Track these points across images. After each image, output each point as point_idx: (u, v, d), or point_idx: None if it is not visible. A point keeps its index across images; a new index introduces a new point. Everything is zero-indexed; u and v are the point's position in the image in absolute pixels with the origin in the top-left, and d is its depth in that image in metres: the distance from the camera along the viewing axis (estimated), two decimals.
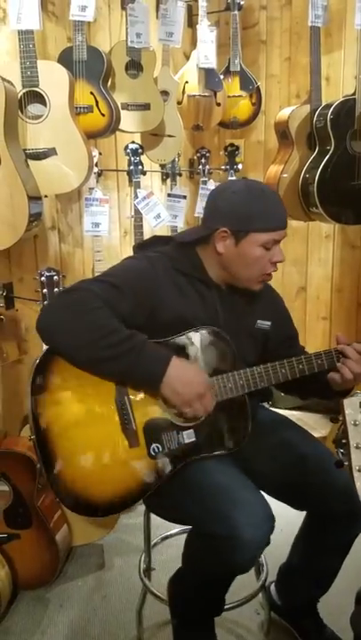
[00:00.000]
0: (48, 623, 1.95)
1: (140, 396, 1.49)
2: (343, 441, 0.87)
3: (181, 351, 1.50)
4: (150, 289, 1.52)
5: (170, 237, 1.71)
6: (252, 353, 1.64)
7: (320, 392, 1.69)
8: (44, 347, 1.50)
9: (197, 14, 2.74)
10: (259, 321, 1.67)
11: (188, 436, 1.50)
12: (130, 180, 2.66)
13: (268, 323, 1.68)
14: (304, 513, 1.69)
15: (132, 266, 1.59)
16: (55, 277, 2.03)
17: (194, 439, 1.50)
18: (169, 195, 2.60)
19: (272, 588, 1.90)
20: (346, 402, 0.93)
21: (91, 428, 1.46)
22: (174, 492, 1.52)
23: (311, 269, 3.20)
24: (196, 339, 1.52)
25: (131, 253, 1.73)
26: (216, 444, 1.53)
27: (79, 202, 2.53)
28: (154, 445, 1.48)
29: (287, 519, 1.65)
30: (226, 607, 1.66)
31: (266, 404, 2.04)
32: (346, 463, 0.95)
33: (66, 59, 2.12)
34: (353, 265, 3.10)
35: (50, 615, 1.98)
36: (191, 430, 1.50)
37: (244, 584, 1.84)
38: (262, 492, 1.61)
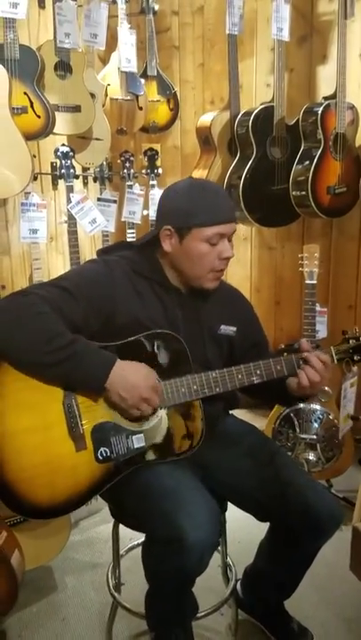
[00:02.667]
0: None
1: (89, 399, 1.46)
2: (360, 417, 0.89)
3: (134, 354, 1.47)
4: (105, 294, 1.49)
5: (133, 243, 1.68)
6: (216, 358, 1.64)
7: (278, 397, 1.72)
8: None
9: (116, 16, 2.72)
10: (223, 326, 1.67)
11: (138, 441, 1.48)
12: (53, 184, 2.57)
13: (233, 328, 1.68)
14: None
15: (88, 270, 1.55)
16: None
17: (144, 444, 1.48)
18: (99, 199, 2.54)
19: (238, 586, 1.92)
20: None
21: (38, 431, 1.42)
22: (125, 497, 1.51)
23: (232, 270, 3.29)
24: (148, 342, 1.49)
25: (59, 261, 1.68)
26: (167, 449, 1.51)
27: (4, 206, 2.40)
28: (102, 449, 1.45)
29: (253, 522, 1.65)
30: (198, 615, 1.66)
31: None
32: None
33: None
34: (270, 266, 3.22)
35: None
36: (141, 435, 1.48)
37: (211, 588, 1.86)
38: (228, 501, 1.65)
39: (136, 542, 2.02)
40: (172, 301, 1.58)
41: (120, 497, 1.52)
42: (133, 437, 1.47)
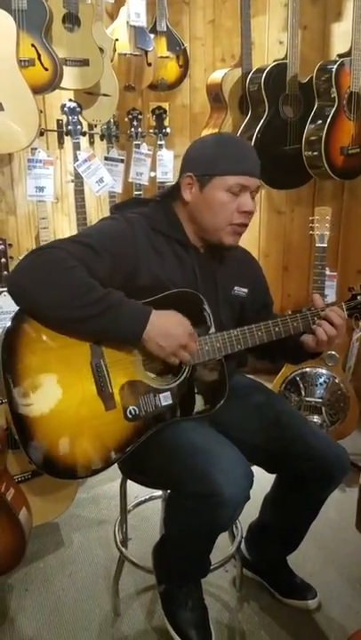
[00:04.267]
0: (16, 610, 1.86)
1: (117, 358, 1.45)
2: None
3: None
4: (128, 253, 1.47)
5: (149, 199, 1.65)
6: (228, 319, 1.64)
7: (292, 355, 1.71)
8: None
9: None
10: (236, 287, 1.66)
11: (165, 399, 1.49)
12: (60, 142, 2.53)
13: (245, 290, 1.67)
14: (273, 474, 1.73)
15: (110, 227, 1.51)
16: (1, 247, 1.89)
17: (170, 402, 1.49)
18: (106, 158, 2.49)
19: (242, 544, 1.94)
20: None
21: (66, 393, 1.42)
22: (151, 455, 1.51)
23: None
24: (171, 301, 1.47)
25: (65, 222, 1.65)
26: (193, 406, 1.52)
27: (10, 164, 2.36)
28: (130, 408, 1.46)
29: (256, 478, 1.66)
30: None
31: None
32: None
33: (3, 7, 1.93)
34: (279, 230, 3.18)
35: (17, 601, 1.89)
36: (168, 393, 1.49)
37: (216, 545, 1.88)
38: None
39: (142, 499, 2.04)
40: (191, 260, 1.57)
41: (145, 454, 1.51)
42: (161, 395, 1.48)
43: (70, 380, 1.42)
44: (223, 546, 1.88)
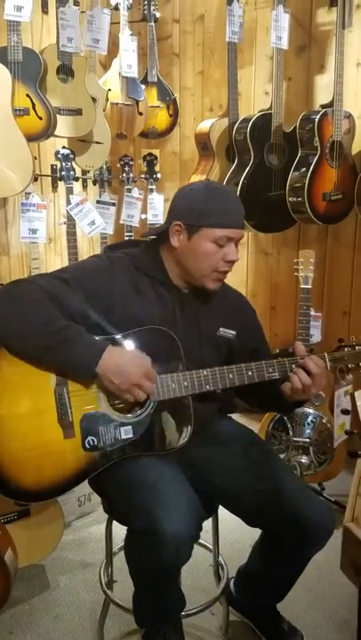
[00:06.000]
0: None
1: (80, 387, 1.48)
2: (354, 431, 0.93)
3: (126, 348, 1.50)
4: (103, 288, 1.52)
5: (142, 240, 1.71)
6: (213, 360, 1.63)
7: (275, 403, 1.69)
8: None
9: (118, 22, 2.76)
10: (221, 329, 1.68)
11: (126, 432, 1.50)
12: (53, 186, 2.60)
13: (233, 332, 1.69)
14: None
15: (90, 264, 1.59)
16: None
17: (131, 435, 1.50)
18: (98, 202, 2.57)
19: (231, 584, 1.92)
20: (357, 394, 0.99)
21: (28, 417, 1.46)
22: (109, 488, 1.55)
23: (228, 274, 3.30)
24: (141, 337, 1.50)
25: (57, 262, 1.72)
26: (153, 443, 1.52)
27: (4, 207, 2.43)
28: (89, 438, 1.48)
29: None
30: (189, 613, 1.67)
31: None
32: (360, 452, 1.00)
33: None
34: (266, 271, 3.25)
35: None
36: (130, 427, 1.50)
37: (202, 587, 1.87)
38: (219, 504, 1.66)
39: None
40: (172, 300, 1.61)
41: (105, 487, 1.56)
42: (121, 429, 1.49)
43: (32, 405, 1.47)
44: (210, 588, 1.87)
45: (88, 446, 1.48)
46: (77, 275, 1.52)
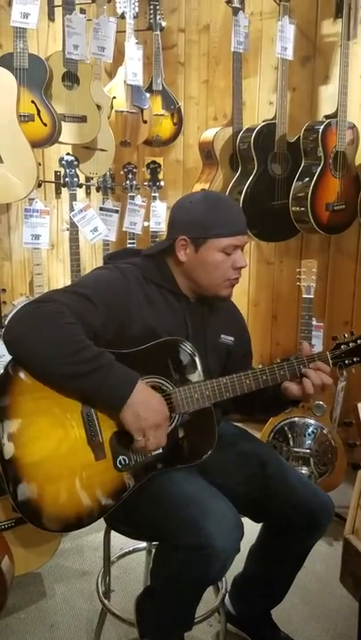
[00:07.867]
0: None
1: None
2: (357, 442, 0.92)
3: (147, 362, 1.49)
4: (121, 303, 1.51)
5: (141, 250, 1.70)
6: (216, 366, 1.66)
7: (271, 405, 1.72)
8: None
9: (124, 31, 2.77)
10: (223, 335, 1.69)
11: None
12: (57, 193, 2.60)
13: (232, 338, 1.70)
14: (258, 525, 1.73)
15: (104, 277, 1.56)
16: None
17: (161, 451, 1.49)
18: (101, 209, 2.57)
19: (226, 598, 1.91)
20: (360, 405, 0.99)
21: (56, 441, 1.42)
22: (141, 506, 1.50)
23: None
24: (161, 350, 1.50)
25: (60, 268, 1.70)
26: (183, 455, 1.52)
27: (7, 212, 2.43)
28: (120, 458, 1.46)
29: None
30: None
31: None
32: None
33: (5, 66, 2.04)
34: (268, 280, 3.25)
35: None
36: None
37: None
38: None
39: (127, 550, 2.02)
40: (182, 309, 1.61)
41: (133, 505, 1.50)
42: None
43: (60, 428, 1.42)
44: (207, 599, 1.85)
45: (120, 466, 1.45)
46: (95, 288, 1.49)
